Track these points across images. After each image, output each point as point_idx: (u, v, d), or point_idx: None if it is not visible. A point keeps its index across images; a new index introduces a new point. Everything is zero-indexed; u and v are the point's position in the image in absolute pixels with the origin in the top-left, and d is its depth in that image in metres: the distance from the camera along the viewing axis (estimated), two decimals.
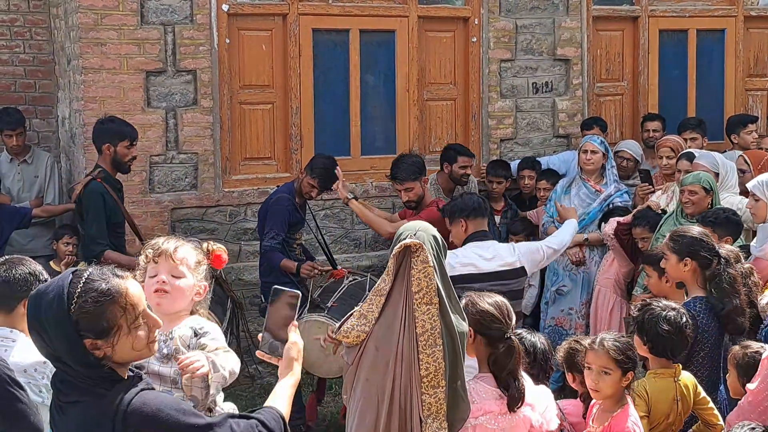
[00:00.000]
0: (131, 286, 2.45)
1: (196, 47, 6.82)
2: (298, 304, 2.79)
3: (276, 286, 2.86)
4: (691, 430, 4.19)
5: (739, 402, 3.93)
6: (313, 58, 7.26)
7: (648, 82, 8.34)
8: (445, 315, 3.40)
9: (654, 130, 7.67)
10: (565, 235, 5.89)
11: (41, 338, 2.40)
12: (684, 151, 6.76)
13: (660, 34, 8.35)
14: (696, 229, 4.72)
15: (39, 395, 3.55)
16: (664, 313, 4.01)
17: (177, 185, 6.90)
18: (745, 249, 5.20)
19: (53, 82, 7.62)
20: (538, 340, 4.11)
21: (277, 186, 6.70)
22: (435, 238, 3.53)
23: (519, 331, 4.06)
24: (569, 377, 4.11)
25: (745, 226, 5.95)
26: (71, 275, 2.41)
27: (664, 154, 6.95)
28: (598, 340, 3.82)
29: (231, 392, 6.94)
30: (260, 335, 2.80)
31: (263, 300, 6.42)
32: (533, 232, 7.16)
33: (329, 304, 5.92)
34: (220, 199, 7.01)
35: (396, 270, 3.44)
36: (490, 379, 3.57)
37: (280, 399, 2.69)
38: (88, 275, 2.40)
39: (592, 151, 6.87)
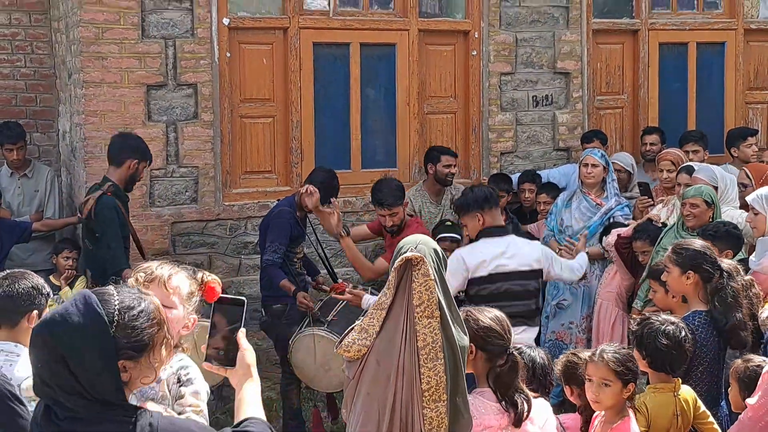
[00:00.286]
0: (157, 300, 2.43)
1: (197, 61, 6.84)
2: (245, 311, 2.72)
3: (221, 295, 2.81)
4: None
5: (739, 417, 3.92)
6: (313, 71, 7.28)
7: (648, 95, 8.35)
8: (447, 329, 3.40)
9: (652, 144, 7.67)
10: (576, 267, 5.91)
11: (65, 367, 2.23)
12: (683, 165, 6.76)
13: (660, 47, 8.37)
14: (698, 243, 4.71)
15: None
16: (663, 327, 4.00)
17: (177, 199, 6.90)
18: (744, 263, 5.19)
19: (54, 96, 7.64)
20: (538, 354, 4.10)
21: (278, 200, 6.70)
22: (436, 251, 3.53)
23: (519, 345, 4.06)
24: (567, 390, 4.10)
25: (744, 240, 5.95)
26: (91, 295, 2.31)
27: (664, 167, 6.95)
28: (598, 351, 3.82)
29: (231, 407, 6.92)
30: (203, 347, 2.71)
31: (263, 314, 6.42)
32: None
33: (329, 318, 5.91)
34: (221, 212, 7.01)
35: (397, 283, 3.43)
36: (490, 394, 3.57)
37: (257, 407, 2.66)
38: (117, 292, 2.33)
39: (593, 165, 6.87)
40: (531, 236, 7.25)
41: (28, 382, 3.51)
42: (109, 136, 6.33)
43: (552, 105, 7.94)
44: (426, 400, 3.35)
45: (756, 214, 5.48)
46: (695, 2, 8.61)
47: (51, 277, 6.57)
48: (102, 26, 6.58)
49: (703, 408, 4.08)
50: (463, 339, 3.46)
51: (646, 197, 6.93)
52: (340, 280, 6.50)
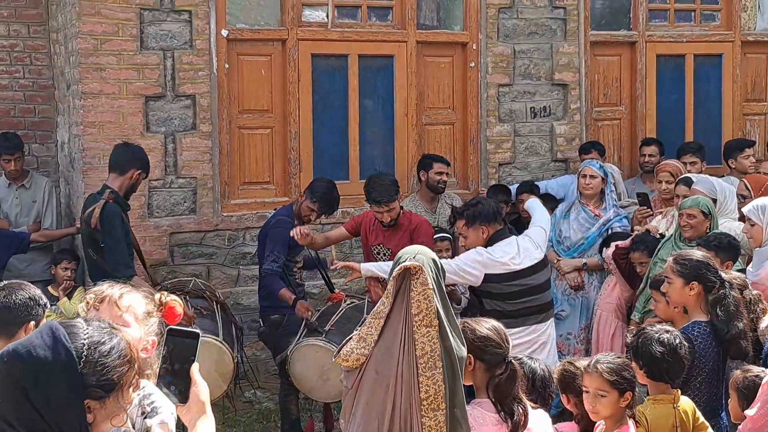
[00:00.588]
0: (130, 337, 2.29)
1: (196, 72, 6.85)
2: (198, 345, 2.60)
3: (170, 327, 2.67)
4: None
5: (738, 428, 3.91)
6: (312, 83, 7.30)
7: (646, 107, 8.37)
8: (445, 339, 3.39)
9: (650, 155, 7.69)
10: (543, 216, 6.06)
11: (28, 401, 2.10)
12: (682, 176, 6.77)
13: (657, 59, 8.40)
14: (699, 253, 4.71)
15: None
16: (658, 335, 4.00)
17: (176, 210, 6.90)
18: (742, 274, 5.20)
19: (53, 107, 7.65)
20: (538, 366, 4.09)
21: (275, 209, 6.70)
22: (434, 261, 3.52)
23: (519, 356, 4.06)
24: (564, 399, 4.10)
25: (742, 251, 5.96)
26: (59, 327, 2.17)
27: (663, 178, 6.96)
28: (592, 363, 3.82)
29: (230, 417, 6.92)
30: (155, 380, 2.62)
31: (261, 324, 6.41)
32: None
33: (327, 328, 5.90)
34: (219, 223, 7.01)
35: (395, 292, 3.43)
36: (489, 405, 3.56)
37: None
38: (87, 325, 2.20)
39: (591, 176, 6.88)
40: None
41: None
42: (108, 147, 6.30)
43: (550, 116, 7.96)
44: (425, 409, 3.34)
45: (752, 225, 5.49)
46: (692, 14, 8.64)
47: (49, 288, 6.56)
48: (100, 38, 6.60)
49: (702, 419, 4.07)
50: (461, 350, 3.46)
51: (645, 207, 6.94)
52: (336, 290, 6.50)
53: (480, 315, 5.68)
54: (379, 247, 6.22)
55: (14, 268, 6.84)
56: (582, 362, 3.95)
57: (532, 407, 3.69)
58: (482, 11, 7.65)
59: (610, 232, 6.77)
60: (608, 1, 8.43)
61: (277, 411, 6.70)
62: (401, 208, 6.40)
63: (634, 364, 3.99)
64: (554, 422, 3.92)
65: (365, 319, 3.59)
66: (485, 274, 5.51)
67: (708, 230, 5.84)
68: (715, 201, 6.29)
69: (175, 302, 3.10)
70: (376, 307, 3.51)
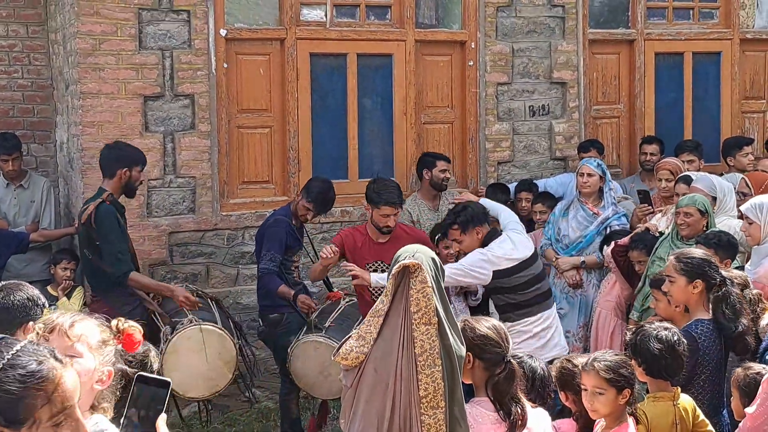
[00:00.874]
0: (68, 375, 2.05)
1: (194, 72, 6.85)
2: (168, 394, 2.54)
3: (140, 373, 2.61)
4: None
5: (739, 426, 3.91)
6: (310, 82, 7.30)
7: (644, 105, 8.37)
8: (444, 337, 3.39)
9: (651, 154, 7.69)
10: (507, 212, 6.16)
11: None
12: (681, 175, 6.77)
13: (656, 56, 8.40)
14: (700, 251, 4.72)
15: None
16: (656, 332, 4.00)
17: (175, 209, 6.90)
18: (741, 272, 5.21)
19: (51, 107, 7.65)
20: (539, 365, 4.09)
21: (275, 209, 6.70)
22: (433, 259, 3.53)
23: (519, 355, 4.06)
24: (562, 396, 4.10)
25: (742, 249, 5.97)
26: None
27: (663, 176, 6.96)
28: (589, 361, 3.82)
29: (229, 416, 6.92)
30: (111, 413, 2.60)
31: (261, 323, 6.41)
32: None
33: (327, 325, 5.91)
34: (218, 222, 7.01)
35: (394, 290, 3.43)
36: (488, 404, 3.56)
37: None
38: (20, 347, 2.00)
39: (589, 174, 6.88)
40: None
41: None
42: None
43: (549, 115, 7.96)
44: (424, 407, 3.34)
45: (750, 223, 5.50)
46: (691, 12, 8.64)
47: (49, 288, 6.56)
48: (99, 38, 6.60)
49: (702, 417, 4.07)
50: (460, 348, 3.46)
51: (646, 205, 6.94)
52: (335, 289, 6.50)
53: (496, 311, 5.82)
54: (376, 264, 5.95)
55: (13, 268, 6.84)
56: (580, 360, 3.96)
57: (532, 406, 3.70)
58: (481, 10, 7.66)
59: (608, 230, 6.77)
60: None
61: (277, 410, 6.70)
62: (417, 213, 6.54)
63: (633, 362, 3.99)
64: (552, 419, 3.93)
65: (365, 317, 3.58)
66: (494, 272, 5.64)
67: (705, 228, 5.85)
68: (714, 199, 6.30)
69: (134, 328, 2.90)
70: (375, 305, 3.51)
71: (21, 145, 7.19)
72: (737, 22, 8.67)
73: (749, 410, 3.81)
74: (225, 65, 6.99)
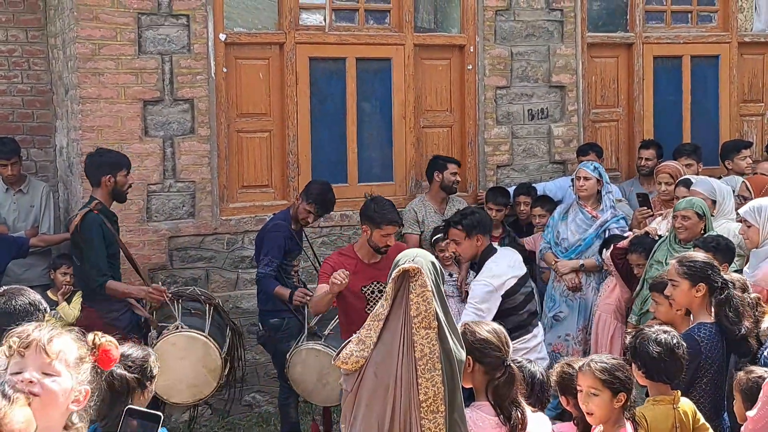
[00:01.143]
0: (15, 414, 1.99)
1: (194, 76, 6.86)
2: (159, 427, 2.50)
3: (130, 407, 2.58)
4: None
5: (741, 429, 3.92)
6: (309, 86, 7.30)
7: (643, 108, 8.38)
8: (444, 342, 3.40)
9: (647, 159, 7.70)
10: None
11: None
12: (681, 178, 6.78)
13: (654, 60, 8.41)
14: (702, 255, 4.72)
15: None
16: (655, 336, 4.00)
17: (174, 213, 6.90)
18: (740, 275, 5.21)
19: (51, 111, 7.65)
20: (538, 370, 4.10)
21: (274, 214, 6.71)
22: (433, 264, 3.53)
23: (519, 359, 4.06)
24: (563, 400, 4.10)
25: (741, 252, 5.97)
26: None
27: (662, 180, 6.97)
28: (586, 362, 3.83)
29: (230, 421, 6.92)
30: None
31: (261, 328, 6.42)
32: (523, 258, 7.18)
33: (326, 332, 5.91)
34: (218, 227, 7.02)
35: (394, 295, 3.44)
36: (488, 408, 3.57)
37: None
38: None
39: (585, 178, 6.89)
40: (525, 250, 7.31)
41: None
42: None
43: (547, 118, 7.97)
44: (424, 411, 3.35)
45: (749, 227, 5.51)
46: (689, 16, 8.66)
47: (48, 293, 6.56)
48: (98, 42, 6.60)
49: (702, 420, 4.08)
50: (460, 352, 3.46)
51: (645, 208, 6.95)
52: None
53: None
54: (373, 285, 5.61)
55: (13, 273, 6.84)
56: (579, 363, 3.97)
57: (532, 410, 3.70)
58: (479, 14, 7.67)
59: (607, 233, 6.78)
60: (605, 2, 8.44)
61: (277, 414, 6.71)
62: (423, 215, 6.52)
63: (633, 365, 4.00)
64: (552, 423, 3.93)
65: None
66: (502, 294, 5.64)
67: (703, 232, 5.86)
68: (714, 202, 6.31)
69: (111, 344, 2.74)
70: (375, 310, 3.52)
71: (20, 150, 7.20)
72: (735, 26, 8.68)
73: (751, 414, 3.81)
74: (224, 69, 7.00)
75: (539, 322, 6.04)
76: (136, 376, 3.66)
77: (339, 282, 5.26)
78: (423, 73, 7.67)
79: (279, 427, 6.60)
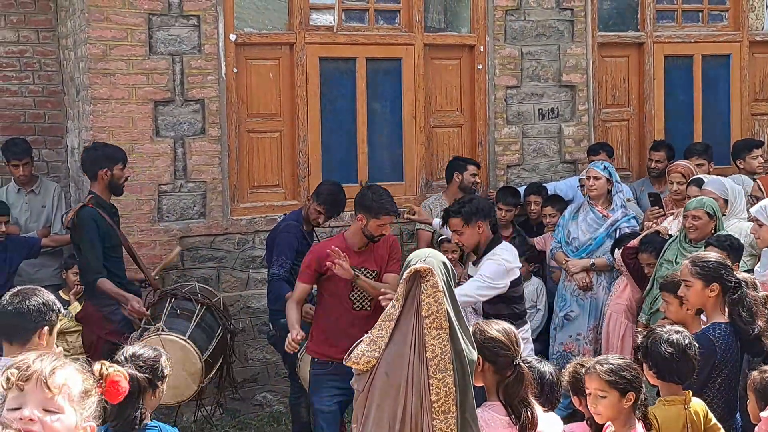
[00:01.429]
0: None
1: (204, 77, 6.87)
2: None
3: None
4: None
5: (755, 429, 3.91)
6: (320, 86, 7.31)
7: (654, 108, 8.36)
8: (456, 342, 3.40)
9: (658, 161, 7.68)
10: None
11: None
12: (693, 178, 6.77)
13: (665, 59, 8.39)
14: (715, 255, 4.71)
15: None
16: (667, 336, 4.00)
17: (185, 213, 6.92)
18: (749, 274, 5.20)
19: (62, 112, 7.68)
20: (547, 370, 4.09)
21: (285, 214, 6.72)
22: (444, 264, 3.53)
23: (529, 359, 4.06)
24: (575, 400, 4.10)
25: (753, 251, 5.96)
26: None
27: (674, 179, 6.96)
28: (592, 364, 3.83)
29: (241, 420, 6.94)
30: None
31: (271, 328, 6.42)
32: (533, 258, 7.19)
33: None
34: (229, 227, 7.03)
35: (406, 295, 3.44)
36: (499, 408, 3.57)
37: None
38: None
39: (595, 177, 6.88)
40: (536, 249, 7.31)
41: None
42: None
43: (558, 118, 7.96)
44: (435, 411, 3.35)
45: (760, 226, 5.50)
46: (700, 15, 8.63)
47: (60, 292, 6.59)
48: (110, 43, 6.62)
49: (714, 420, 4.07)
50: (471, 352, 3.47)
51: (657, 207, 6.94)
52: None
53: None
54: (359, 272, 5.43)
55: (25, 272, 6.88)
56: (591, 362, 3.96)
57: (543, 410, 3.70)
58: (489, 13, 7.66)
59: (618, 233, 6.77)
60: (615, 2, 8.43)
61: (288, 414, 6.72)
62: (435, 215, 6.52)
63: (644, 365, 3.99)
64: (564, 423, 3.93)
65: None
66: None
67: (713, 231, 5.84)
68: (726, 202, 6.30)
69: (119, 375, 2.55)
70: (386, 310, 3.52)
71: (32, 151, 7.23)
72: (746, 25, 8.65)
73: (765, 414, 3.81)
74: (235, 70, 7.01)
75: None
76: (147, 376, 3.67)
77: (346, 270, 5.25)
78: (433, 73, 7.67)
79: (290, 426, 6.60)
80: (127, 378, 2.60)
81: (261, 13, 7.42)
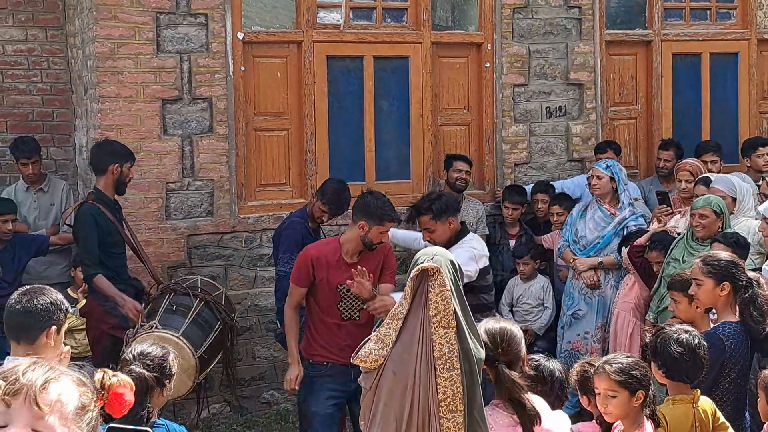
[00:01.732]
0: None
1: (212, 75, 6.88)
2: None
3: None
4: None
5: (764, 427, 3.90)
6: (327, 84, 7.31)
7: (662, 106, 8.35)
8: (463, 340, 3.40)
9: (666, 160, 7.66)
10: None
11: None
12: (701, 176, 6.76)
13: (673, 57, 8.37)
14: (725, 254, 4.70)
15: None
16: (676, 335, 3.99)
17: (193, 212, 6.93)
18: (755, 272, 5.19)
19: (70, 110, 7.70)
20: (556, 368, 4.09)
21: (292, 212, 6.72)
22: (452, 262, 3.53)
23: (537, 358, 4.06)
24: (584, 400, 4.10)
25: (761, 249, 5.95)
26: None
27: (683, 177, 6.95)
28: (601, 363, 3.83)
29: (248, 418, 6.95)
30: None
31: (278, 326, 6.43)
32: (540, 257, 7.19)
33: None
34: (236, 225, 7.04)
35: (413, 293, 3.44)
36: (503, 406, 3.57)
37: None
38: None
39: (597, 177, 6.89)
40: (543, 248, 7.31)
41: None
42: None
43: (565, 116, 7.95)
44: (443, 410, 3.35)
45: None
46: (708, 13, 8.61)
47: (69, 290, 6.62)
48: (117, 41, 6.63)
49: (722, 419, 4.06)
50: (479, 351, 3.47)
51: (665, 206, 6.93)
52: None
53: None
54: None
55: (33, 270, 6.90)
56: (598, 362, 3.96)
57: (551, 408, 3.70)
58: (497, 11, 7.66)
59: (626, 231, 6.76)
60: (623, 0, 8.41)
61: (295, 412, 6.72)
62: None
63: (653, 364, 3.99)
64: (572, 422, 3.93)
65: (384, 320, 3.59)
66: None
67: (720, 229, 5.83)
68: (734, 200, 6.29)
69: (124, 385, 2.31)
70: (394, 308, 3.52)
71: (40, 149, 7.25)
72: (755, 22, 8.63)
73: None
74: (242, 68, 7.02)
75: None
76: (155, 374, 3.68)
77: (366, 290, 5.04)
78: (440, 71, 7.67)
79: (297, 424, 6.61)
80: (133, 389, 2.38)
81: (268, 11, 7.41)
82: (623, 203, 6.89)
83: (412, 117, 7.59)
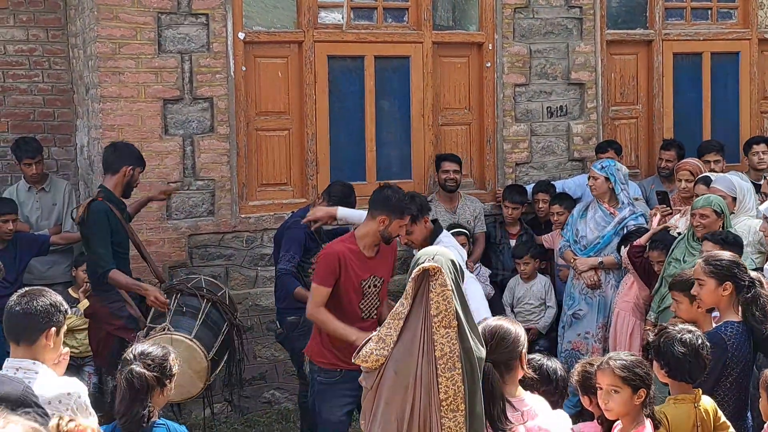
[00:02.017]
0: None
1: (213, 75, 6.88)
2: None
3: None
4: None
5: (764, 427, 3.91)
6: (328, 84, 7.32)
7: (663, 105, 8.35)
8: (464, 340, 3.40)
9: (668, 160, 7.66)
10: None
11: None
12: (701, 176, 6.76)
13: (674, 57, 8.37)
14: (727, 254, 4.70)
15: None
16: (680, 335, 3.99)
17: (194, 211, 6.94)
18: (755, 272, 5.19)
19: (72, 110, 7.70)
20: (558, 366, 4.09)
21: (293, 211, 6.73)
22: (453, 262, 3.53)
23: (537, 357, 4.06)
24: (585, 400, 4.10)
25: (762, 249, 5.95)
26: None
27: (683, 177, 6.95)
28: (605, 359, 3.84)
29: (249, 417, 6.96)
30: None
31: (279, 326, 6.43)
32: (540, 256, 7.19)
33: None
34: (237, 225, 7.04)
35: (414, 293, 3.44)
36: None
37: None
38: None
39: (593, 177, 6.89)
40: (544, 247, 7.31)
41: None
42: None
43: (566, 116, 7.95)
44: (444, 409, 3.35)
45: None
46: (709, 12, 8.61)
47: (70, 290, 6.63)
48: (119, 41, 6.64)
49: (723, 418, 4.07)
50: (480, 351, 3.46)
51: (664, 206, 6.94)
52: None
53: None
54: (371, 280, 5.25)
55: (35, 270, 6.91)
56: (599, 361, 3.97)
57: (552, 408, 3.70)
58: (498, 11, 7.66)
59: (626, 230, 6.76)
60: None
61: (296, 411, 6.73)
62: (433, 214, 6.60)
63: (655, 364, 3.99)
64: (573, 422, 3.93)
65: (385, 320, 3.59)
66: None
67: (721, 229, 5.83)
68: (734, 200, 6.29)
69: (83, 431, 2.17)
70: (395, 308, 3.52)
71: (42, 149, 7.26)
72: (756, 22, 8.63)
73: None
74: (243, 68, 7.02)
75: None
76: (155, 374, 3.68)
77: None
78: (441, 71, 7.67)
79: (298, 424, 6.62)
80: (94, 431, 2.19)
81: (269, 11, 7.41)
82: (623, 203, 6.89)
83: (413, 117, 7.59)
